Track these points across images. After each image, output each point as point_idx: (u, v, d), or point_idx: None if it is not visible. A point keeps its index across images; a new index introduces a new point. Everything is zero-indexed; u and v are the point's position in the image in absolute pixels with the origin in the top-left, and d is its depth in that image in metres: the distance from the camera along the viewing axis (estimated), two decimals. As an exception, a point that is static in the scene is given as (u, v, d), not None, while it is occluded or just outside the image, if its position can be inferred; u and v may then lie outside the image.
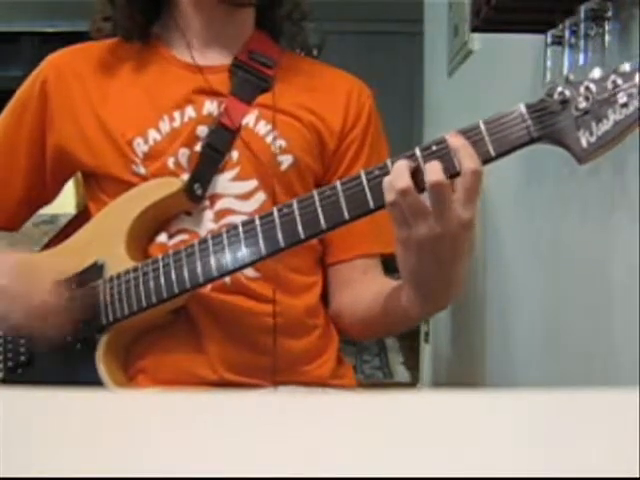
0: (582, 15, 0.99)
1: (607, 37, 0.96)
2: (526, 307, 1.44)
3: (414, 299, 0.97)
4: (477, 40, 1.81)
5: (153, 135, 1.10)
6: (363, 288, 1.15)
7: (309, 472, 0.28)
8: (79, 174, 1.22)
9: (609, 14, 0.96)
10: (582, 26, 1.00)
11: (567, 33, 1.04)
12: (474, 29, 1.23)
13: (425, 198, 0.86)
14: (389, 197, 0.86)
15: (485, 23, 1.17)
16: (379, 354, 3.74)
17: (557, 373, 1.24)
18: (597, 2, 0.97)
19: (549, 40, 1.10)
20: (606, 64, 0.96)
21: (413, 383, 3.03)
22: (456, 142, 0.86)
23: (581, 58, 1.01)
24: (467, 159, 0.85)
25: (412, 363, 3.12)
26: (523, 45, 1.29)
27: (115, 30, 1.18)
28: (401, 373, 3.41)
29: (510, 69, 1.51)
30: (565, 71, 1.05)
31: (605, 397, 0.35)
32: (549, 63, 1.11)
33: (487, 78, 1.76)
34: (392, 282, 1.10)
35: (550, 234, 1.29)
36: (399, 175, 0.85)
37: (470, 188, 0.85)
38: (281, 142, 1.12)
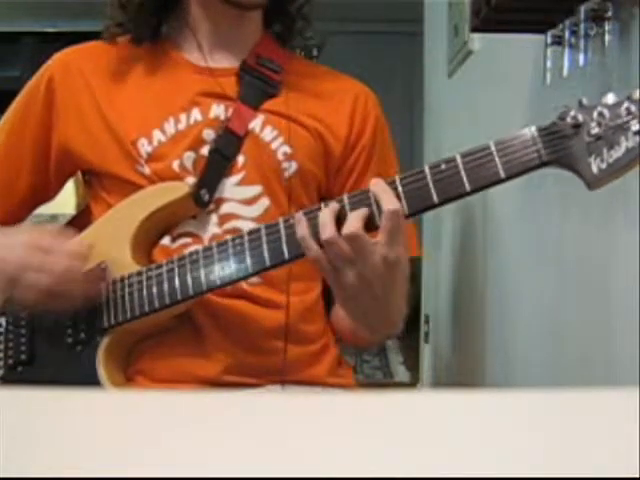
0: (582, 15, 0.99)
1: (607, 37, 0.96)
2: (526, 307, 1.44)
3: (357, 331, 1.06)
4: (477, 40, 1.81)
5: (158, 136, 1.10)
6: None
7: (309, 472, 0.28)
8: (79, 174, 1.22)
9: (609, 14, 0.96)
10: (582, 26, 1.00)
11: (567, 33, 1.04)
12: (474, 29, 1.23)
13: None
14: (310, 252, 0.90)
15: (485, 23, 1.17)
16: (379, 354, 3.74)
17: (557, 373, 1.24)
18: (597, 2, 0.97)
19: (549, 40, 1.10)
20: (606, 64, 0.96)
21: (413, 383, 3.03)
22: (376, 187, 0.89)
23: (581, 58, 1.01)
24: (385, 201, 0.88)
25: (412, 363, 3.12)
26: (523, 45, 1.28)
27: (127, 34, 1.18)
28: (401, 373, 3.41)
29: (510, 69, 1.51)
30: (565, 71, 1.05)
31: (605, 397, 0.35)
32: (549, 63, 1.11)
33: (487, 78, 1.76)
34: None
35: (550, 234, 1.29)
36: (323, 226, 0.89)
37: (391, 229, 0.88)
38: (286, 149, 1.12)
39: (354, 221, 0.88)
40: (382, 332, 1.06)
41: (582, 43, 1.00)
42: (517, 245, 1.51)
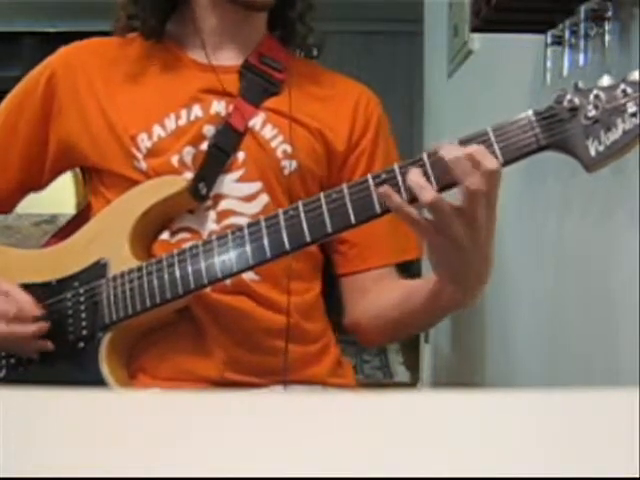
0: (582, 15, 0.99)
1: (607, 37, 0.96)
2: (526, 307, 1.44)
3: (454, 292, 0.98)
4: (477, 40, 1.81)
5: (158, 131, 1.10)
6: (382, 295, 1.14)
7: (309, 472, 0.28)
8: (79, 174, 1.22)
9: (609, 14, 0.96)
10: (582, 26, 1.00)
11: (567, 33, 1.04)
12: (474, 29, 1.23)
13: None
14: (413, 217, 0.86)
15: (485, 23, 1.17)
16: (379, 354, 3.74)
17: (557, 373, 1.24)
18: (597, 2, 0.97)
19: (549, 40, 1.10)
20: (606, 64, 0.96)
21: (413, 383, 3.02)
22: (474, 150, 0.85)
23: (581, 58, 1.01)
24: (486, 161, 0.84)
25: (412, 363, 3.11)
26: (523, 45, 1.28)
27: (139, 28, 1.18)
28: (401, 373, 3.41)
29: (510, 69, 1.51)
30: (565, 71, 1.05)
31: (605, 397, 0.35)
32: (549, 63, 1.11)
33: (487, 78, 1.76)
34: (412, 283, 1.10)
35: (550, 234, 1.29)
36: (421, 189, 0.85)
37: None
38: (286, 147, 1.12)
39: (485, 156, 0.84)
40: (476, 287, 0.99)
41: (582, 43, 1.00)
42: (517, 244, 1.51)
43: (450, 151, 0.85)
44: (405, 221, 0.88)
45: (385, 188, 0.88)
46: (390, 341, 1.24)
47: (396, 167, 0.89)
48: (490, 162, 0.84)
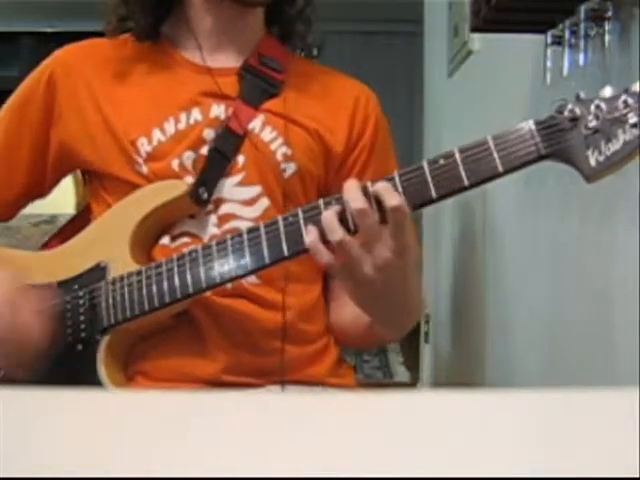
0: (582, 15, 0.99)
1: (607, 37, 0.96)
2: (526, 307, 1.44)
3: (376, 329, 1.06)
4: (477, 40, 1.81)
5: (157, 136, 1.10)
6: (340, 306, 1.17)
7: (309, 472, 0.28)
8: (79, 174, 1.22)
9: (609, 14, 0.96)
10: (582, 26, 1.00)
11: (567, 33, 1.04)
12: (474, 29, 1.23)
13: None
14: (325, 259, 0.89)
15: (485, 23, 1.17)
16: (379, 354, 3.74)
17: (557, 373, 1.24)
18: (597, 2, 0.97)
19: (549, 40, 1.10)
20: (606, 64, 0.96)
21: (413, 383, 3.02)
22: (377, 186, 0.88)
23: (581, 58, 1.01)
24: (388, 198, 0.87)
25: (412, 363, 3.11)
26: (523, 45, 1.29)
27: (131, 30, 1.17)
28: (401, 373, 3.41)
29: (510, 69, 1.51)
30: (565, 71, 1.05)
31: (605, 397, 0.35)
32: (549, 63, 1.11)
33: (487, 78, 1.76)
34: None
35: (550, 234, 1.29)
36: (331, 230, 0.88)
37: (399, 221, 0.88)
38: (285, 149, 1.12)
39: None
40: (401, 325, 1.07)
41: (582, 43, 1.00)
42: (517, 245, 1.51)
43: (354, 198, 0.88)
44: (315, 258, 0.91)
45: (309, 228, 0.91)
46: (359, 348, 1.31)
47: (396, 174, 0.90)
48: (393, 199, 0.87)
